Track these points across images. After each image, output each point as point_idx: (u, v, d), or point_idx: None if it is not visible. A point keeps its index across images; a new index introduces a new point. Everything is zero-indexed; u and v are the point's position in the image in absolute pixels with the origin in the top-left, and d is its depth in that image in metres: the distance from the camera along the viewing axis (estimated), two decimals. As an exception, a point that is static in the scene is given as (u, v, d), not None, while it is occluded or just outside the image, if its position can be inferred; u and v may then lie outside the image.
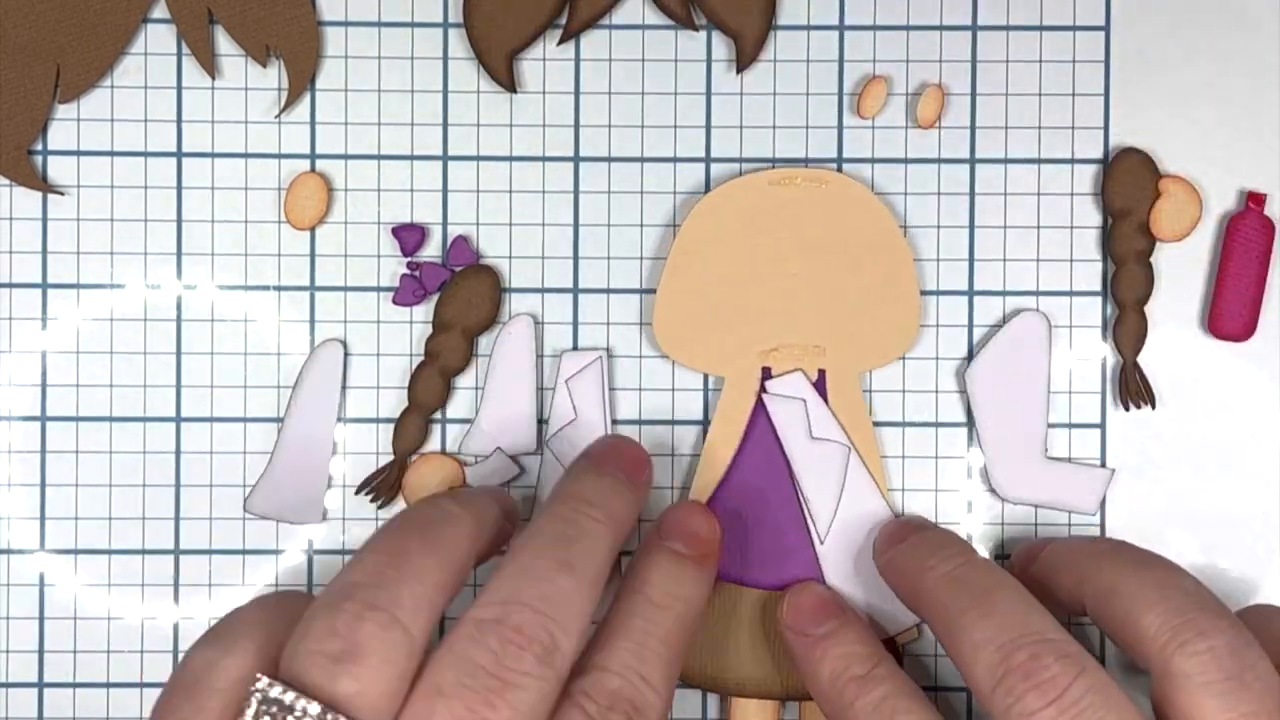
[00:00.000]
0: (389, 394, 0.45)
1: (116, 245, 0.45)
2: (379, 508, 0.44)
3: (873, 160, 0.45)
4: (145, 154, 0.45)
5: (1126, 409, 0.44)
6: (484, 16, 0.44)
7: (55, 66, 0.44)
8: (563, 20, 0.44)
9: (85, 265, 0.45)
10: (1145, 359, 0.44)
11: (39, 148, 0.45)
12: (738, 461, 0.44)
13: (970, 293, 0.45)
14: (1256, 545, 0.44)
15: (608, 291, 0.45)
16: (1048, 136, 0.45)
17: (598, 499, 0.40)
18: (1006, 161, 0.45)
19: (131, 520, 0.45)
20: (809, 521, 0.43)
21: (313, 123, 0.45)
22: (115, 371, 0.45)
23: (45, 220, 0.45)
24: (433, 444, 0.45)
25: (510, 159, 0.45)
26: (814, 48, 0.45)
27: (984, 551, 0.44)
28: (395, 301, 0.44)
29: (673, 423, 0.45)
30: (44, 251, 0.45)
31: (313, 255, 0.45)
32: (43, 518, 0.45)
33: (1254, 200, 0.44)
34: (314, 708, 0.34)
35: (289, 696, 0.34)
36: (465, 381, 0.45)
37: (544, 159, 0.45)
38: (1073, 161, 0.45)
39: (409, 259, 0.44)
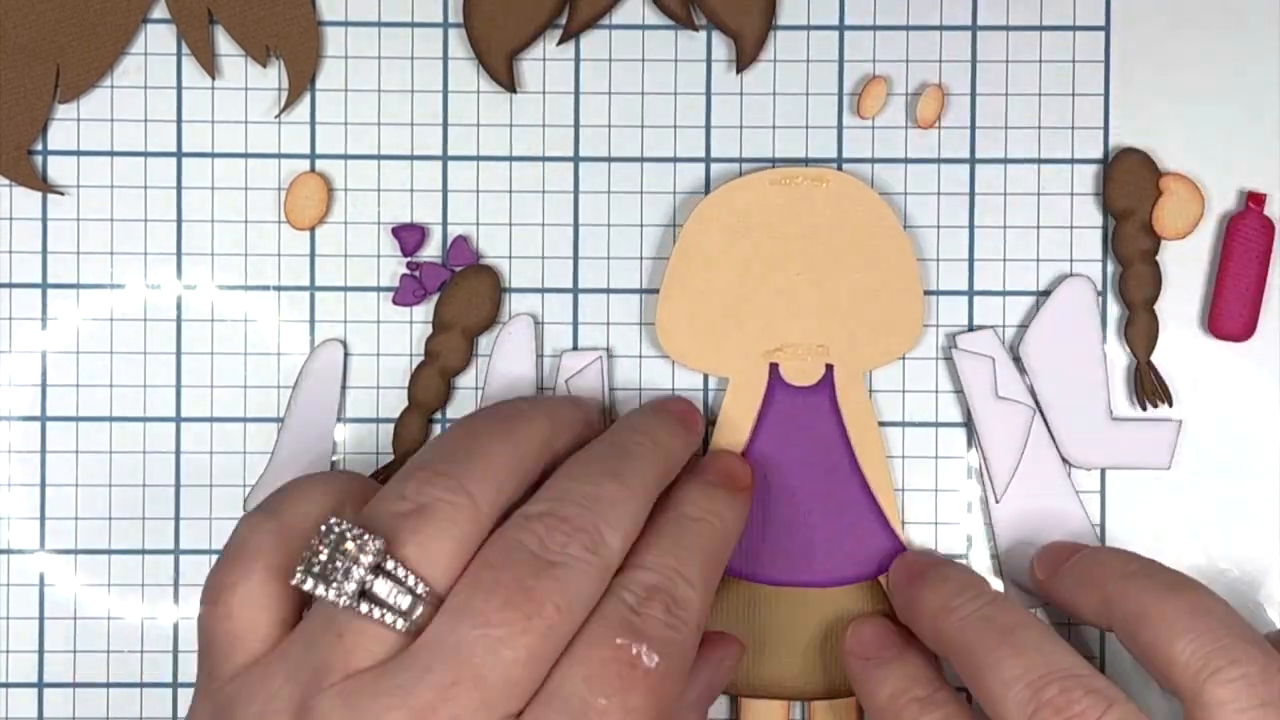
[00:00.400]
0: (389, 394, 0.45)
1: (116, 245, 0.45)
2: (379, 508, 0.45)
3: (873, 160, 0.45)
4: (145, 154, 0.45)
5: (1144, 408, 0.44)
6: (484, 16, 0.44)
7: (55, 66, 0.44)
8: (563, 20, 0.44)
9: (85, 265, 0.45)
10: (1145, 359, 0.44)
11: (39, 148, 0.45)
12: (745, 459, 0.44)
13: (970, 293, 0.45)
14: (1256, 545, 0.44)
15: (608, 291, 0.45)
16: (1048, 136, 0.45)
17: (648, 429, 0.41)
18: (1006, 161, 0.45)
19: (131, 520, 0.45)
20: (986, 479, 0.44)
21: (313, 123, 0.45)
22: (115, 371, 0.45)
23: (45, 220, 0.45)
24: (433, 444, 0.45)
25: (510, 159, 0.45)
26: (814, 48, 0.45)
27: (984, 551, 0.44)
28: (395, 301, 0.44)
29: (673, 423, 0.45)
30: (44, 251, 0.45)
31: (313, 255, 0.45)
32: (43, 518, 0.45)
33: (1254, 200, 0.44)
34: (377, 544, 0.35)
35: (353, 532, 0.35)
36: (465, 381, 0.45)
37: (544, 159, 0.45)
38: (1073, 161, 0.45)
39: (409, 259, 0.44)
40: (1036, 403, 0.44)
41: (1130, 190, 0.44)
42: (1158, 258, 0.44)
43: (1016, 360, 0.44)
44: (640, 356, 0.45)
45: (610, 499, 0.37)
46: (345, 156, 0.45)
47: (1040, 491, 0.44)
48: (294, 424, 0.44)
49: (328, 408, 0.44)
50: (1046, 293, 0.44)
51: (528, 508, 0.37)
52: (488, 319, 0.44)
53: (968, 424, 0.44)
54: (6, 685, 0.44)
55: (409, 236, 0.44)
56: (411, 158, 0.45)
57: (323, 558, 0.35)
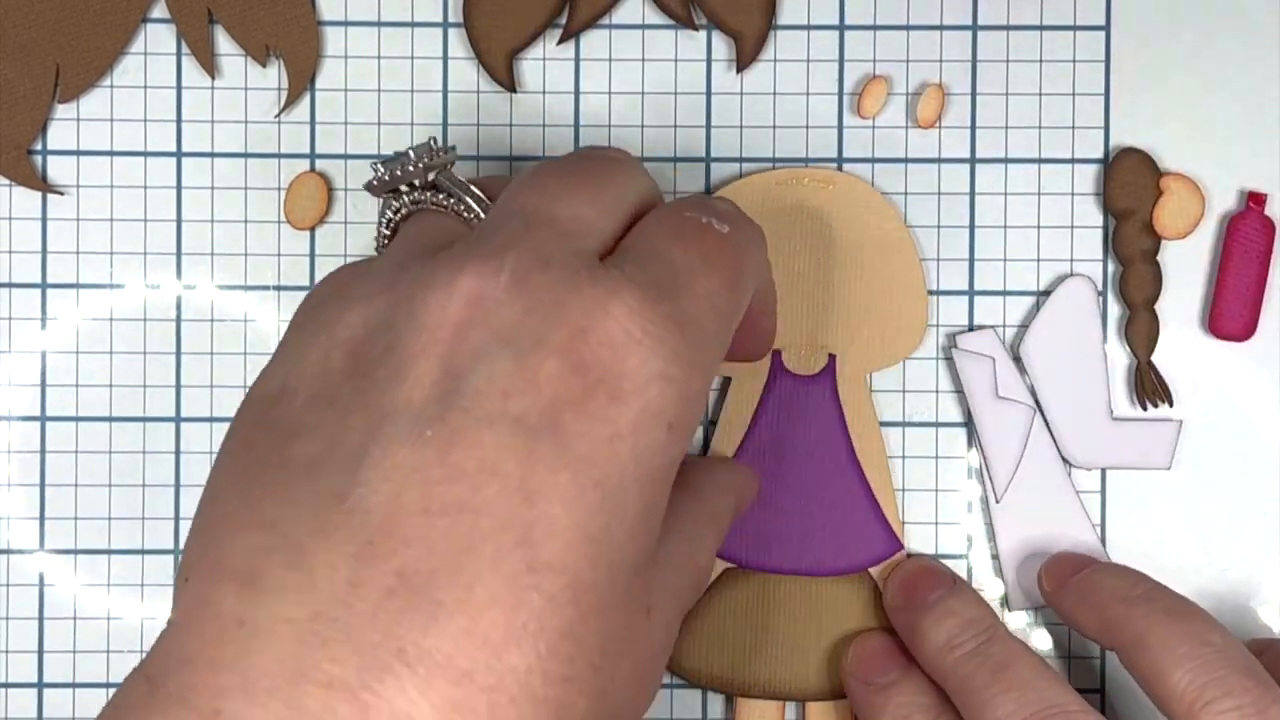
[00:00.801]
0: (389, 394, 0.45)
1: (116, 245, 0.45)
2: (379, 508, 0.44)
3: (873, 160, 0.45)
4: (145, 154, 0.45)
5: (1145, 408, 0.44)
6: (484, 16, 0.44)
7: (55, 66, 0.44)
8: (563, 20, 0.44)
9: (85, 265, 0.45)
10: (1145, 359, 0.44)
11: (39, 148, 0.45)
12: (739, 456, 0.44)
13: (970, 293, 0.45)
14: (1257, 545, 0.44)
15: (608, 291, 0.45)
16: (1048, 136, 0.45)
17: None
18: (1006, 161, 0.45)
19: (131, 520, 0.45)
20: (987, 479, 0.44)
21: (313, 123, 0.45)
22: (115, 371, 0.45)
23: (45, 220, 0.45)
24: (433, 444, 0.45)
25: (510, 159, 0.45)
26: (814, 48, 0.45)
27: (984, 551, 0.44)
28: (395, 301, 0.44)
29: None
30: (44, 251, 0.45)
31: (313, 255, 0.45)
32: (42, 518, 0.45)
33: (1254, 200, 0.44)
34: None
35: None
36: (465, 381, 0.45)
37: (544, 159, 0.45)
38: (1073, 161, 0.45)
39: (409, 259, 0.44)
40: (1037, 403, 0.44)
41: (1131, 190, 0.44)
42: (1158, 258, 0.44)
43: (1017, 360, 0.44)
44: (640, 356, 0.45)
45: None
46: (345, 156, 0.45)
47: (1040, 491, 0.44)
48: (294, 424, 0.44)
49: (328, 408, 0.44)
50: (1047, 293, 0.44)
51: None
52: (488, 319, 0.44)
53: (968, 424, 0.44)
54: (6, 685, 0.44)
55: (409, 236, 0.44)
56: (411, 158, 0.45)
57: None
